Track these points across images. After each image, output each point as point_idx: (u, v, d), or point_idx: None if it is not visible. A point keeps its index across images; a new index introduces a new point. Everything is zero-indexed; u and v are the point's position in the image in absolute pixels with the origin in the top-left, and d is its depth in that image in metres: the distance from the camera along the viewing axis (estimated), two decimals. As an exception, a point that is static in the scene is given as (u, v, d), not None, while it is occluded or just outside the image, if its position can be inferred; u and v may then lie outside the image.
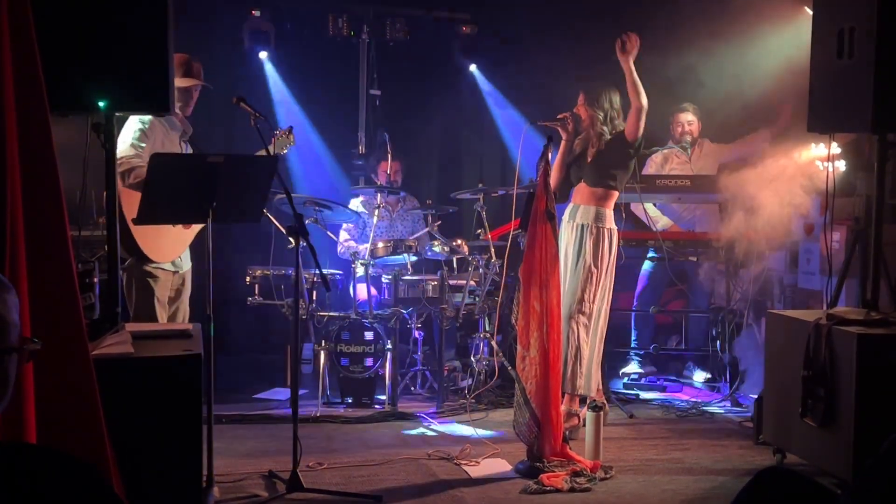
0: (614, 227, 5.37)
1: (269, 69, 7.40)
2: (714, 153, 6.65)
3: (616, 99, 5.42)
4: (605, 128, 5.35)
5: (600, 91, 5.39)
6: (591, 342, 5.27)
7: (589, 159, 5.39)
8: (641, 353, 6.64)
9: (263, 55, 7.30)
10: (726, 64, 6.58)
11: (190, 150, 5.09)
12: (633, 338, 6.70)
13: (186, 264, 5.15)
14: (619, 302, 6.98)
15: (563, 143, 5.39)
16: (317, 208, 5.91)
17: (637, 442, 5.23)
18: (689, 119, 6.59)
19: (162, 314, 4.98)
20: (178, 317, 5.15)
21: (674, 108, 6.66)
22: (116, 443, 2.85)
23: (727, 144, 6.68)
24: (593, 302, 5.25)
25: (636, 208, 6.37)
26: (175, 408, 3.34)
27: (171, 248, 4.99)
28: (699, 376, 6.59)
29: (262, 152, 4.73)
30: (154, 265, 4.94)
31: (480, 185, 6.30)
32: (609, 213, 5.36)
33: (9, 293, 1.72)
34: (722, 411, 5.90)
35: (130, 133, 4.82)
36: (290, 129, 5.48)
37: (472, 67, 7.80)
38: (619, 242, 5.41)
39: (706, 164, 6.57)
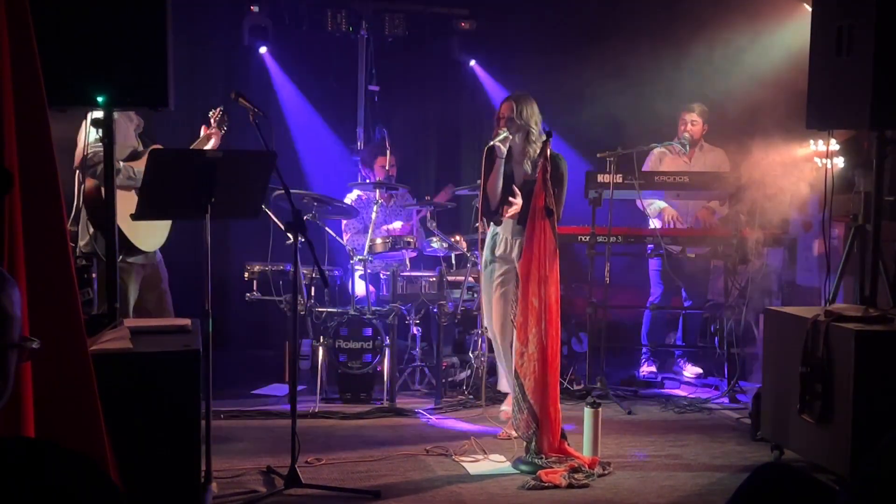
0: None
1: (268, 65, 7.39)
2: (714, 158, 6.64)
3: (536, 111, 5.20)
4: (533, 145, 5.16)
5: (524, 104, 5.16)
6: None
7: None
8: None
9: (263, 50, 7.29)
10: (727, 62, 6.59)
11: (141, 146, 5.07)
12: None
13: (156, 254, 5.21)
14: (626, 299, 7.03)
15: (499, 161, 5.16)
16: (315, 204, 5.90)
17: (635, 438, 5.23)
18: (692, 119, 6.58)
19: (130, 310, 5.00)
20: (164, 305, 5.18)
21: (682, 108, 6.65)
22: (115, 438, 2.85)
23: (723, 153, 6.67)
24: None
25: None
26: (173, 403, 3.35)
27: (155, 236, 5.03)
28: (690, 372, 6.63)
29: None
30: (131, 259, 4.96)
31: (479, 182, 6.29)
32: None
33: (12, 288, 1.72)
34: (720, 407, 5.91)
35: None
36: (222, 109, 5.33)
37: (472, 63, 7.79)
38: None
39: (705, 167, 6.56)
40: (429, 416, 5.58)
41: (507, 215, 5.16)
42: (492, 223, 5.31)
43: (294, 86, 7.43)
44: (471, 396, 5.93)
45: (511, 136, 5.12)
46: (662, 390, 6.32)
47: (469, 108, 7.97)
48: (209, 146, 5.16)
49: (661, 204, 6.57)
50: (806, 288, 6.08)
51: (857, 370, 4.07)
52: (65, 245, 2.69)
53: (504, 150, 5.14)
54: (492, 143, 5.10)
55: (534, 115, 5.14)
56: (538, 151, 5.07)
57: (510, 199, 5.11)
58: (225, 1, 7.25)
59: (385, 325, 5.87)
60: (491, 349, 5.78)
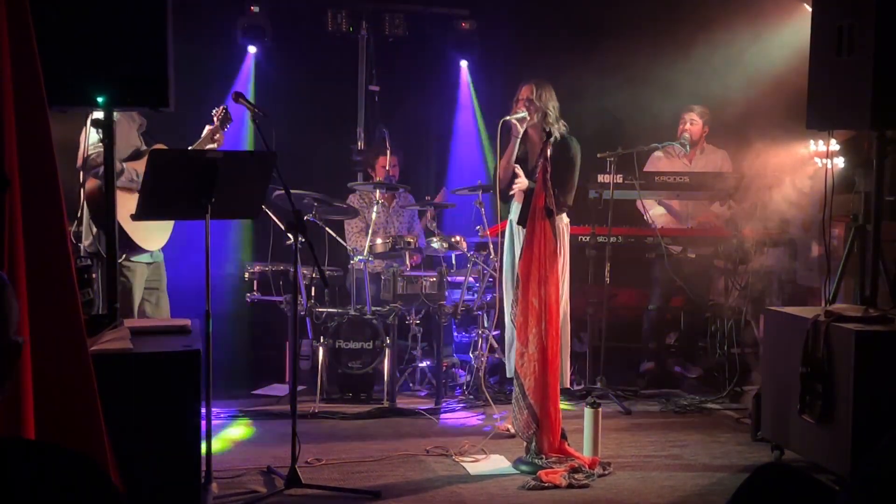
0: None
1: (267, 65, 7.39)
2: (715, 160, 6.63)
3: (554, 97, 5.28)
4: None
5: (544, 89, 5.25)
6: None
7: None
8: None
9: (252, 50, 7.28)
10: (727, 62, 6.58)
11: (144, 146, 5.07)
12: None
13: (160, 254, 5.21)
14: (626, 299, 7.03)
15: (514, 140, 5.26)
16: (316, 204, 5.90)
17: (635, 438, 5.23)
18: (691, 118, 6.57)
19: (135, 310, 5.00)
20: (162, 307, 5.18)
21: (682, 108, 6.65)
22: (115, 438, 2.85)
23: (723, 154, 6.66)
24: None
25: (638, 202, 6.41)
26: (174, 404, 3.35)
27: (158, 236, 5.03)
28: (693, 372, 6.63)
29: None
30: (135, 258, 4.96)
31: (479, 182, 6.30)
32: None
33: (6, 289, 1.72)
34: (720, 407, 5.91)
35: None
36: (226, 108, 5.31)
37: (463, 63, 7.78)
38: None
39: (706, 170, 6.56)
40: (429, 416, 5.58)
41: (514, 190, 5.25)
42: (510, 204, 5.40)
43: (294, 85, 7.43)
44: (471, 396, 5.93)
45: (528, 118, 5.18)
46: (662, 390, 6.32)
47: (468, 107, 7.96)
48: (212, 145, 5.16)
49: (660, 210, 6.57)
50: (806, 288, 6.07)
51: (857, 370, 4.07)
52: (65, 245, 2.69)
53: (521, 129, 5.21)
54: (507, 117, 5.17)
55: (552, 100, 5.25)
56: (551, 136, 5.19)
57: (515, 170, 5.22)
58: (225, 1, 7.25)
59: (385, 325, 5.87)
60: (491, 350, 5.80)
